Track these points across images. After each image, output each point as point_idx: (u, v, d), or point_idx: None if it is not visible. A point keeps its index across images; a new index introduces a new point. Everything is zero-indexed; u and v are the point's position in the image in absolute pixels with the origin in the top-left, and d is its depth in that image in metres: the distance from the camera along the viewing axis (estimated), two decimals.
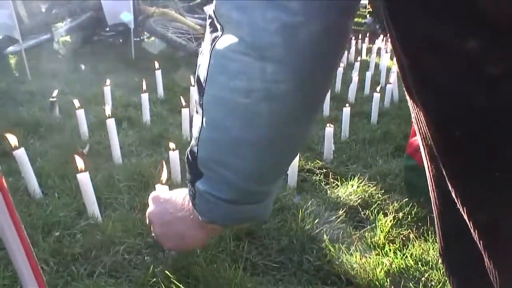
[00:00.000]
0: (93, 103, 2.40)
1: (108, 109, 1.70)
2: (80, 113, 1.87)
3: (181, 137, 1.95)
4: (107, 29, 4.08)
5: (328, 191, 1.56)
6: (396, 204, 1.46)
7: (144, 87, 2.10)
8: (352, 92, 2.69)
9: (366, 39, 4.52)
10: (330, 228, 1.30)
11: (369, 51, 4.07)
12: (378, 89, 2.33)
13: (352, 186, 1.55)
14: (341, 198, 1.49)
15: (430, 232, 1.32)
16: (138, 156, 1.76)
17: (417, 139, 1.66)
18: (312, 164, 1.75)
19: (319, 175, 1.66)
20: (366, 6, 7.31)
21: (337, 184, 1.59)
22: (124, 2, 3.47)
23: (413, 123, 1.55)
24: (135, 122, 2.15)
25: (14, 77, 3.09)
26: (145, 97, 2.10)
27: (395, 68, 3.24)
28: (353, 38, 4.29)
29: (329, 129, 1.79)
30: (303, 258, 1.19)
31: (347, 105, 2.06)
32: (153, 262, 1.13)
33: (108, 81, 2.31)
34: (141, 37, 4.13)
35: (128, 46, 3.65)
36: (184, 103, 1.92)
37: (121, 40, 4.21)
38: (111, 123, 1.69)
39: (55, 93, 2.18)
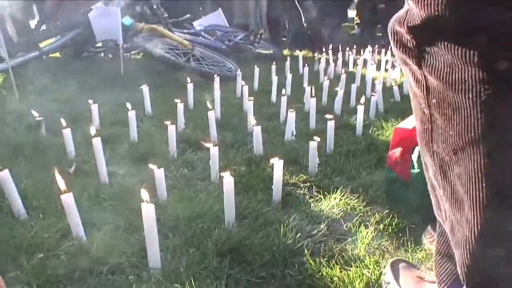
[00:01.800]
0: (81, 120, 2.42)
1: (93, 128, 1.72)
2: (67, 132, 1.89)
3: (168, 154, 1.97)
4: (97, 45, 4.11)
5: (312, 205, 1.58)
6: (377, 216, 1.48)
7: (130, 107, 2.12)
8: (338, 104, 2.73)
9: (354, 51, 4.57)
10: (312, 242, 1.32)
11: (355, 62, 4.12)
12: (362, 101, 2.36)
13: (335, 199, 1.57)
14: (324, 212, 1.52)
15: (409, 243, 1.34)
16: (125, 175, 1.77)
17: (397, 151, 1.67)
18: (296, 178, 1.77)
19: (303, 189, 1.69)
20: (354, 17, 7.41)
21: (320, 198, 1.62)
22: (112, 19, 3.50)
23: (394, 135, 1.57)
24: (122, 140, 2.17)
25: (1, 96, 3.10)
26: (131, 114, 2.12)
27: (380, 79, 3.29)
28: (340, 50, 4.35)
29: (313, 143, 1.81)
30: (285, 273, 1.21)
31: (331, 118, 2.08)
32: (137, 281, 1.15)
33: (95, 99, 2.34)
34: (130, 53, 4.16)
35: (118, 62, 3.68)
36: (169, 122, 1.95)
37: (110, 56, 4.24)
38: (97, 142, 1.71)
39: (41, 112, 2.19)
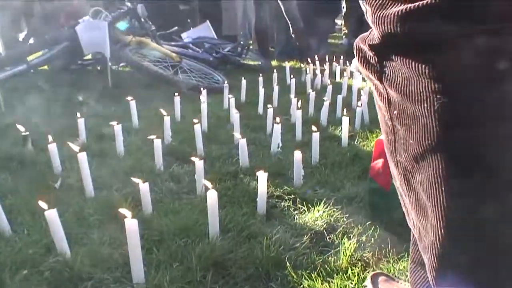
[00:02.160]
0: (68, 134, 2.42)
1: (77, 145, 1.73)
2: (52, 148, 1.90)
3: (154, 167, 1.99)
4: (86, 57, 4.13)
5: (296, 217, 1.60)
6: (360, 227, 1.51)
7: (115, 122, 2.13)
8: (324, 115, 2.76)
9: (341, 61, 4.63)
10: (294, 255, 1.34)
11: (342, 73, 4.17)
12: (345, 112, 2.40)
13: (319, 211, 1.59)
14: (308, 224, 1.54)
15: (391, 254, 1.37)
16: (110, 189, 1.78)
17: (379, 162, 1.70)
18: (281, 190, 1.79)
19: (288, 201, 1.71)
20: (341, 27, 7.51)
21: (304, 210, 1.64)
22: (100, 33, 3.52)
23: (375, 147, 1.61)
24: (109, 153, 2.18)
25: None
26: (118, 128, 2.13)
27: (366, 89, 3.34)
28: (327, 60, 4.40)
29: (298, 155, 1.84)
30: (268, 286, 1.23)
31: (316, 130, 2.11)
32: None
33: (83, 112, 2.34)
34: (119, 66, 4.18)
35: (106, 74, 3.69)
36: (155, 136, 1.96)
37: (99, 68, 4.25)
38: (82, 157, 1.72)
39: (28, 126, 2.20)
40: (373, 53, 0.70)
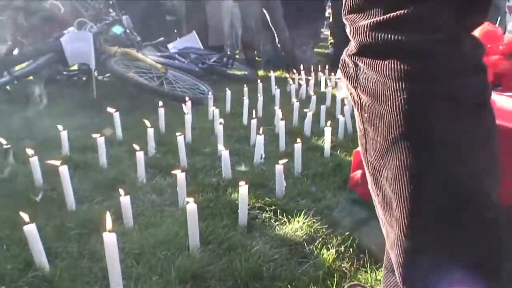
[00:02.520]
0: (51, 147, 2.42)
1: (57, 160, 1.73)
2: (34, 161, 1.89)
3: (137, 180, 1.99)
4: (72, 67, 4.12)
5: (277, 228, 1.62)
6: (339, 238, 1.53)
7: (98, 135, 2.13)
8: (307, 126, 2.79)
9: (326, 71, 4.68)
10: (273, 266, 1.35)
11: (327, 83, 4.21)
12: (329, 123, 2.43)
13: (299, 222, 1.61)
14: (288, 235, 1.55)
15: (369, 264, 1.39)
16: (92, 202, 1.78)
17: (358, 173, 1.72)
18: (263, 201, 1.81)
19: (269, 212, 1.72)
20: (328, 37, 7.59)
21: (285, 221, 1.66)
22: (85, 44, 3.53)
23: (353, 157, 1.65)
24: (92, 166, 2.17)
25: None
26: (101, 140, 2.14)
27: (350, 99, 3.38)
28: (312, 70, 4.45)
29: (279, 167, 1.86)
30: None
31: (299, 140, 2.14)
32: None
33: (67, 124, 2.34)
34: (104, 76, 4.18)
35: (91, 85, 3.69)
36: (138, 147, 1.97)
37: (84, 78, 4.24)
38: (63, 170, 1.72)
39: (10, 139, 2.19)
40: (351, 62, 0.78)
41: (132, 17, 4.26)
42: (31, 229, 1.28)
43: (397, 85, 0.71)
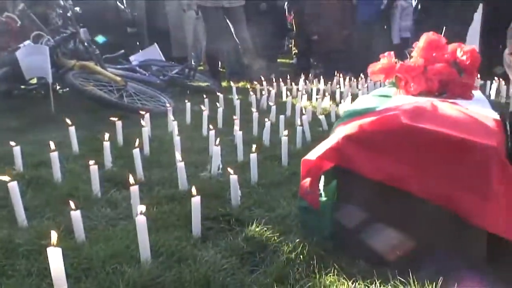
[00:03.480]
0: (4, 163, 2.37)
1: (9, 176, 1.70)
2: None
3: (91, 193, 1.97)
4: (31, 81, 4.04)
5: (230, 238, 1.63)
6: (290, 245, 1.56)
7: (53, 146, 2.11)
8: (266, 135, 2.83)
9: (288, 81, 4.76)
10: (224, 276, 1.37)
11: (288, 93, 4.28)
12: (285, 133, 2.48)
13: (251, 231, 1.64)
14: (240, 244, 1.57)
15: (317, 270, 1.42)
16: (43, 218, 1.76)
17: (307, 181, 1.76)
18: (218, 212, 1.82)
19: (223, 223, 1.74)
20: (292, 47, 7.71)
21: (238, 231, 1.68)
22: (41, 57, 3.47)
23: (302, 166, 1.70)
24: (46, 181, 2.14)
25: None
26: (54, 155, 2.11)
27: (309, 109, 3.46)
28: (274, 80, 4.51)
29: (233, 177, 1.88)
30: None
31: (254, 150, 2.17)
32: None
33: (24, 139, 2.29)
34: (63, 90, 4.11)
35: (49, 99, 3.63)
36: (92, 161, 1.95)
37: (43, 92, 4.16)
38: (13, 186, 1.69)
39: None
40: None
41: (92, 29, 4.23)
42: None
43: None
